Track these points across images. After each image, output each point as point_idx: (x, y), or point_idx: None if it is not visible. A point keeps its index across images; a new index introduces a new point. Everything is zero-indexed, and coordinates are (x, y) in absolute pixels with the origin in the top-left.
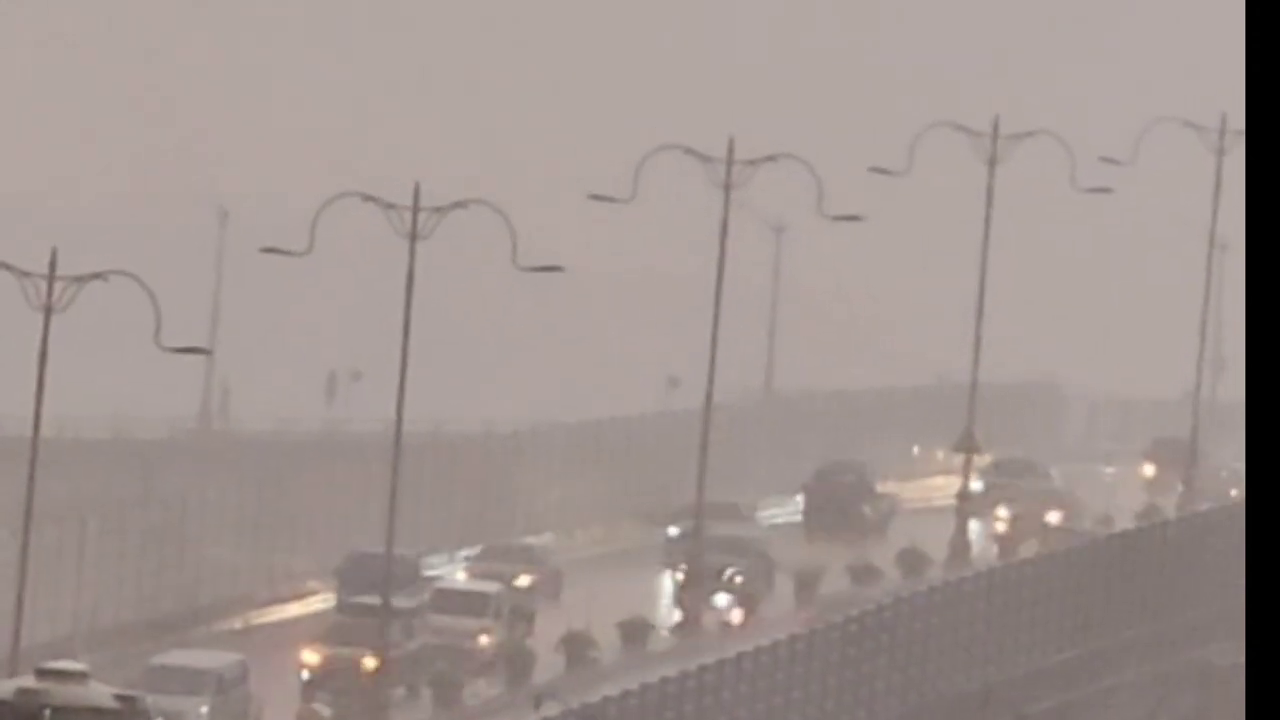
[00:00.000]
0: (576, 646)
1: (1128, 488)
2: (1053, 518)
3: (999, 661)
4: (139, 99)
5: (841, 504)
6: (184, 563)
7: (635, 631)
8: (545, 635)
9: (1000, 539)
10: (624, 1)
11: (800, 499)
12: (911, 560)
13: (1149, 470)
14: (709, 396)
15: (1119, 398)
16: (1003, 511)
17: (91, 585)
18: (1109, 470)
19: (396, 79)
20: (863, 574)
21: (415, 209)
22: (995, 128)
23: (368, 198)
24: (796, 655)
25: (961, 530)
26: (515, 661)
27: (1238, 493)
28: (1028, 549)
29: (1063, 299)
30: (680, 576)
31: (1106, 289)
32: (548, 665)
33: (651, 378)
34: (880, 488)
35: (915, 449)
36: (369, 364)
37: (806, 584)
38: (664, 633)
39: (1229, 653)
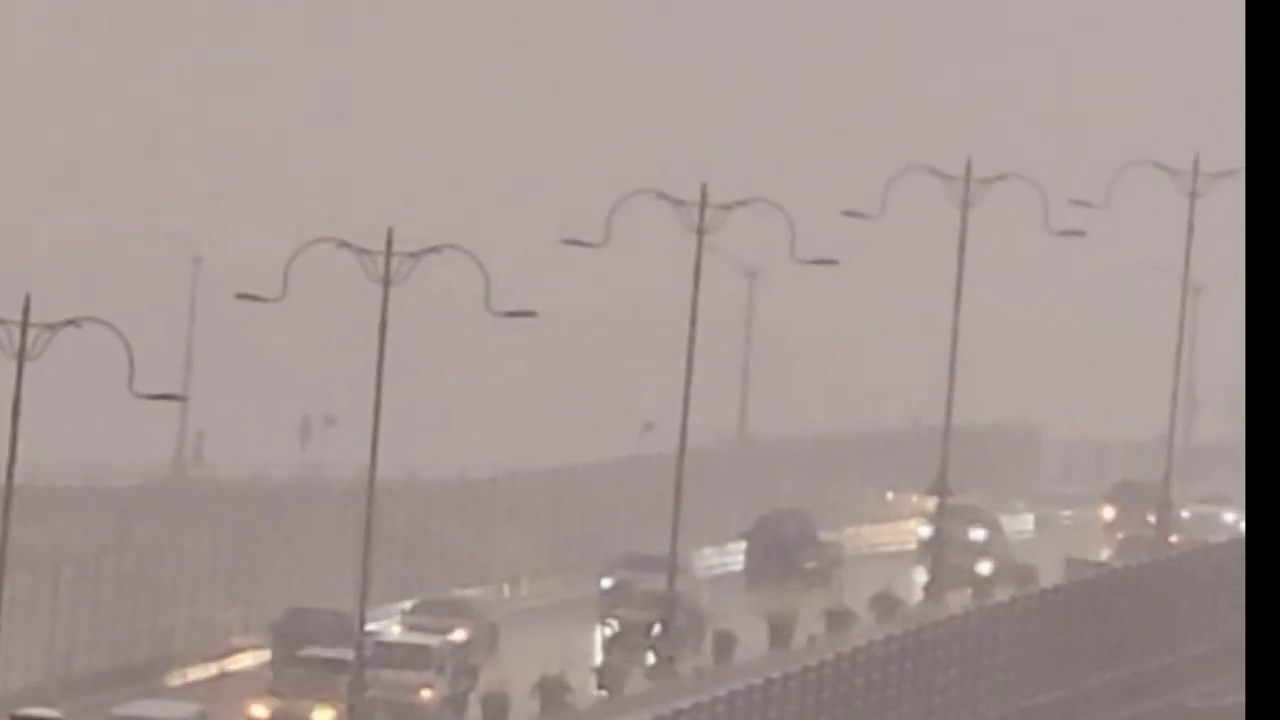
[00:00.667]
0: (492, 708)
1: (1082, 533)
2: (983, 569)
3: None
4: (111, 143)
5: (784, 552)
6: (158, 610)
7: (552, 692)
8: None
9: (926, 590)
10: (596, 46)
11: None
12: (840, 616)
13: (1109, 513)
14: (682, 441)
15: (1094, 440)
16: (932, 563)
17: (65, 632)
18: (1067, 514)
19: (369, 123)
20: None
21: (388, 254)
22: (968, 171)
23: (341, 243)
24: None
25: (935, 576)
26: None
27: (1179, 539)
28: (956, 600)
29: (1037, 341)
30: (609, 632)
31: (1080, 331)
32: None
33: (626, 422)
34: (825, 535)
35: (890, 494)
36: (343, 409)
37: (725, 646)
38: (592, 691)
39: (1205, 695)
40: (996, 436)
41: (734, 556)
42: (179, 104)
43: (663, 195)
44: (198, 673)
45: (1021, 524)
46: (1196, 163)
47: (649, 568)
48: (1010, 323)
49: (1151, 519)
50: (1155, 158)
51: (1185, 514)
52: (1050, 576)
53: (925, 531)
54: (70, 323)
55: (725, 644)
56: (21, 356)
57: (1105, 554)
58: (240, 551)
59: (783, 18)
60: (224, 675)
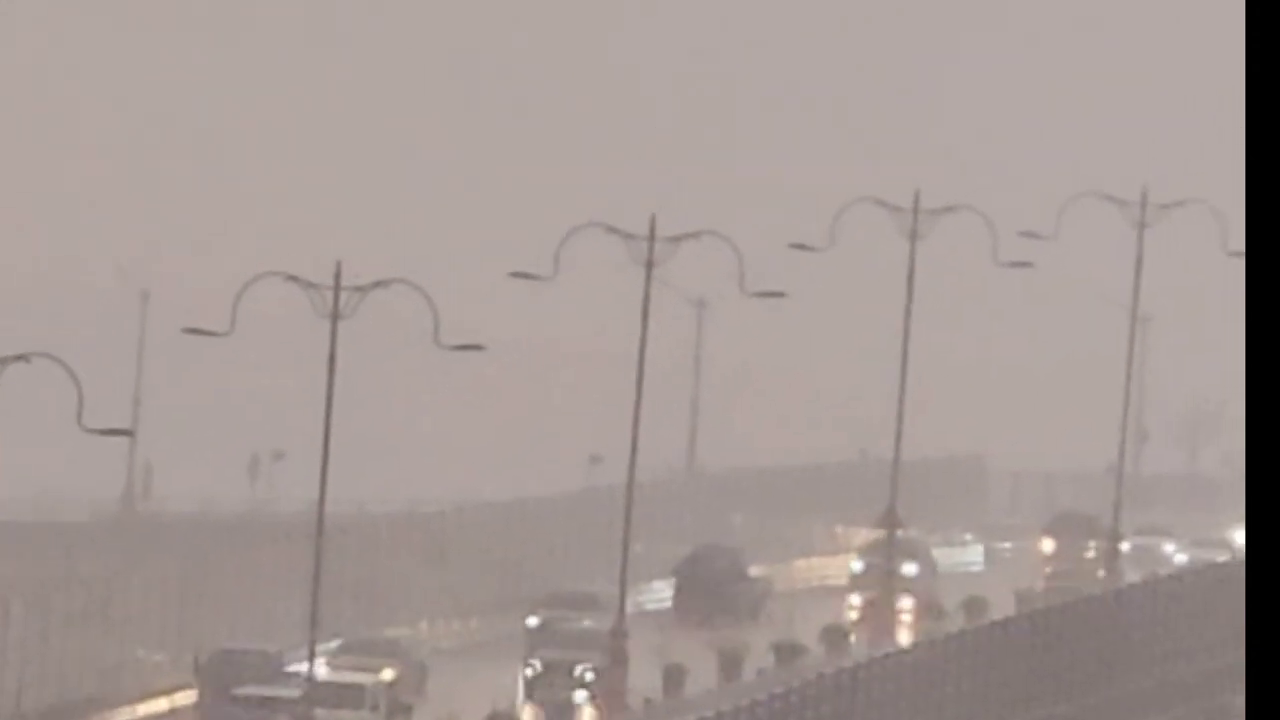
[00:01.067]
0: None
1: (1017, 566)
2: (905, 605)
3: None
4: (60, 178)
5: (713, 588)
6: (107, 646)
7: None
8: None
9: (851, 626)
10: (543, 81)
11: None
12: (789, 649)
13: (1048, 546)
14: (631, 474)
15: (1041, 471)
16: (854, 599)
17: (14, 667)
18: (1007, 545)
19: (317, 158)
20: (730, 664)
21: (337, 288)
22: (916, 202)
23: (289, 278)
24: None
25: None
26: None
27: (1105, 574)
28: (876, 638)
29: (985, 373)
30: (529, 672)
31: (1029, 362)
32: None
33: (575, 455)
34: (754, 570)
35: (839, 528)
36: (292, 444)
37: (675, 678)
38: None
39: None
40: (945, 468)
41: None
42: (126, 140)
43: (611, 228)
44: (125, 715)
45: (970, 555)
46: (1144, 194)
47: (576, 605)
48: (959, 354)
49: (1090, 551)
50: (1103, 189)
51: (1125, 546)
52: (1002, 608)
53: (857, 566)
54: (19, 358)
55: (676, 677)
56: None
57: (1040, 586)
58: (188, 587)
59: (730, 52)
60: (150, 717)
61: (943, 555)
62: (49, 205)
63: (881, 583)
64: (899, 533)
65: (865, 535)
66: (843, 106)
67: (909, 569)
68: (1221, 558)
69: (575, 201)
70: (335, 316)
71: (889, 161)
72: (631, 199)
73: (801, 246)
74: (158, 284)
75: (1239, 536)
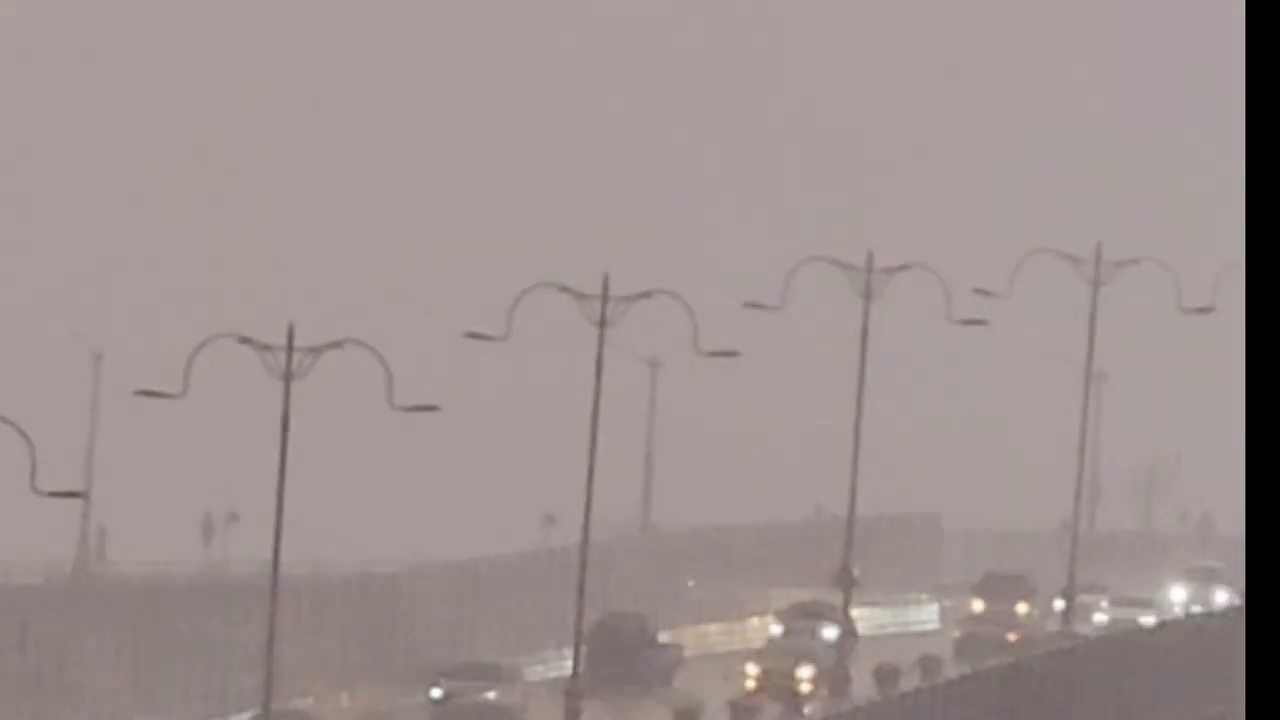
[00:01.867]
0: None
1: (939, 629)
2: (804, 673)
3: None
4: (10, 242)
5: (622, 656)
6: (61, 709)
7: None
8: None
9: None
10: (495, 137)
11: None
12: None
13: (977, 605)
14: (585, 534)
15: (995, 529)
16: (751, 668)
17: None
18: (944, 605)
19: (268, 218)
20: None
21: (290, 349)
22: (869, 261)
23: (242, 339)
24: None
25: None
26: None
27: (1016, 636)
28: (771, 712)
29: (940, 430)
30: None
31: (983, 420)
32: None
33: (529, 514)
34: (664, 637)
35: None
36: (246, 505)
37: None
38: None
39: None
40: (900, 526)
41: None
42: (78, 199)
43: (564, 288)
44: None
45: (926, 614)
46: (1098, 251)
47: (480, 676)
48: (913, 412)
49: (1021, 609)
50: (1057, 246)
51: (1058, 604)
52: (957, 667)
53: (775, 630)
54: None
55: None
56: None
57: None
58: (141, 651)
59: (683, 112)
60: None
61: (896, 614)
62: None
63: (784, 651)
64: (823, 597)
65: (792, 596)
66: (795, 165)
67: (828, 633)
68: (1146, 619)
69: (528, 261)
70: (289, 378)
71: (842, 220)
72: (584, 259)
73: (755, 305)
74: (110, 345)
75: (1176, 594)
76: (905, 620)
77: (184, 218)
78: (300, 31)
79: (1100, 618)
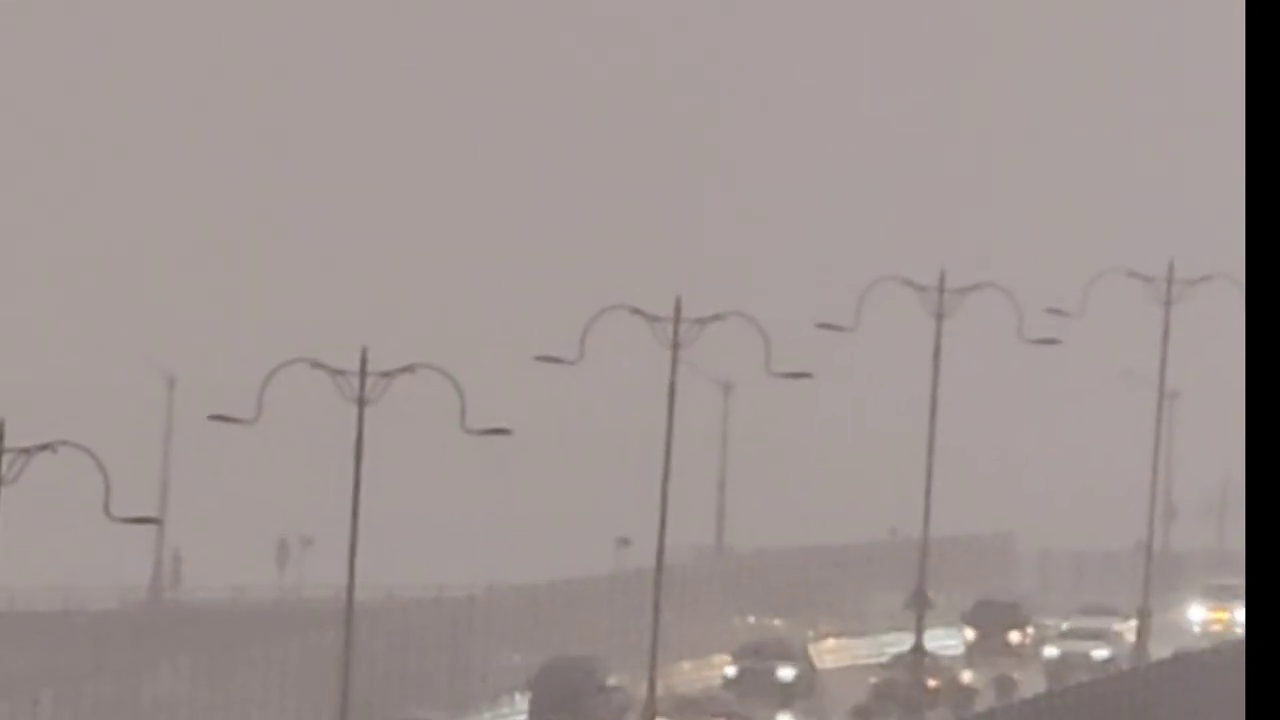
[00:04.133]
0: None
1: (961, 654)
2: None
3: None
4: (84, 267)
5: (569, 702)
6: None
7: None
8: None
9: None
10: (570, 161)
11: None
12: None
13: (969, 634)
14: (660, 557)
15: (1071, 549)
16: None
17: None
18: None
19: (341, 243)
20: None
21: (363, 374)
22: (941, 281)
23: (315, 364)
24: None
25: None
26: None
27: (971, 676)
28: None
29: (1013, 450)
30: None
31: (1056, 439)
32: None
33: (603, 538)
34: (612, 681)
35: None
36: (320, 530)
37: None
38: None
39: None
40: (973, 547)
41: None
42: (151, 227)
43: (636, 310)
44: None
45: (952, 639)
46: (1170, 270)
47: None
48: (986, 432)
49: (1013, 639)
50: (1129, 265)
51: (1053, 647)
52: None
53: (730, 671)
54: (45, 447)
55: None
56: None
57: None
58: (217, 676)
59: (754, 135)
60: None
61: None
62: (73, 292)
63: (763, 689)
64: (780, 631)
65: (737, 637)
66: (868, 184)
67: (785, 673)
68: (1099, 653)
69: (600, 284)
70: (362, 402)
71: (914, 239)
72: (657, 281)
73: (828, 326)
74: (184, 371)
75: (1195, 613)
76: (928, 645)
77: (257, 243)
78: (376, 62)
79: (1051, 651)
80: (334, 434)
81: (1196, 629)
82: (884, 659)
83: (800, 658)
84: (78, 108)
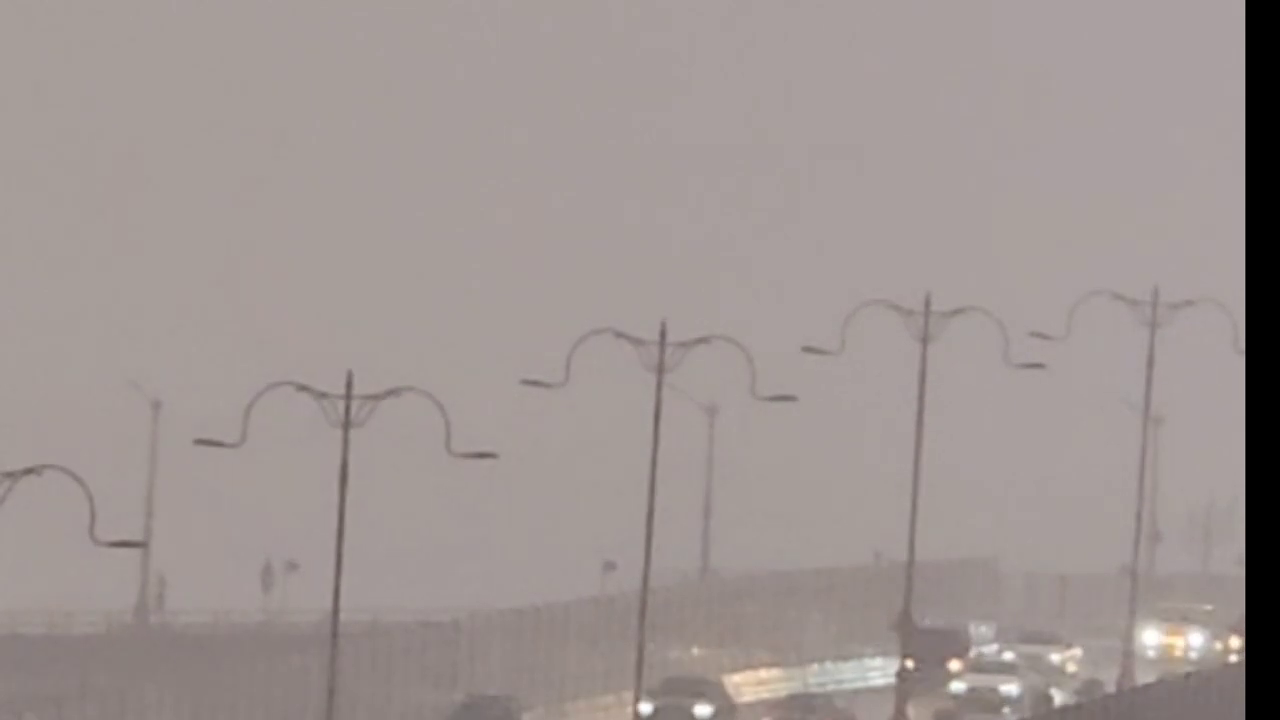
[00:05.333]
0: None
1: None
2: None
3: None
4: (68, 290)
5: None
6: None
7: None
8: None
9: None
10: (553, 186)
11: None
12: None
13: (907, 664)
14: (645, 580)
15: (1056, 572)
16: None
17: None
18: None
19: (325, 266)
20: None
21: (348, 397)
22: (927, 305)
23: (301, 387)
24: None
25: (901, 711)
26: None
27: (1012, 689)
28: None
29: (999, 474)
30: None
31: (1042, 463)
32: None
33: (589, 561)
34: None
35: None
36: (305, 553)
37: None
38: None
39: None
40: (959, 570)
41: None
42: (136, 249)
43: (621, 334)
44: None
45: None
46: (1155, 294)
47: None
48: (971, 456)
49: (954, 666)
50: (1114, 289)
51: (1010, 655)
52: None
53: (645, 709)
54: (30, 471)
55: None
56: None
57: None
58: (202, 700)
59: (739, 156)
60: None
61: (861, 668)
62: (57, 315)
63: None
64: (696, 669)
65: (678, 667)
66: (851, 208)
67: (701, 711)
68: (1007, 688)
69: (585, 308)
70: (347, 426)
71: (899, 263)
72: (641, 305)
73: (813, 350)
74: (169, 394)
75: (1150, 638)
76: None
77: (240, 266)
78: (357, 78)
79: (958, 686)
80: (319, 457)
81: (1151, 653)
82: (808, 689)
83: (717, 695)
84: (66, 129)
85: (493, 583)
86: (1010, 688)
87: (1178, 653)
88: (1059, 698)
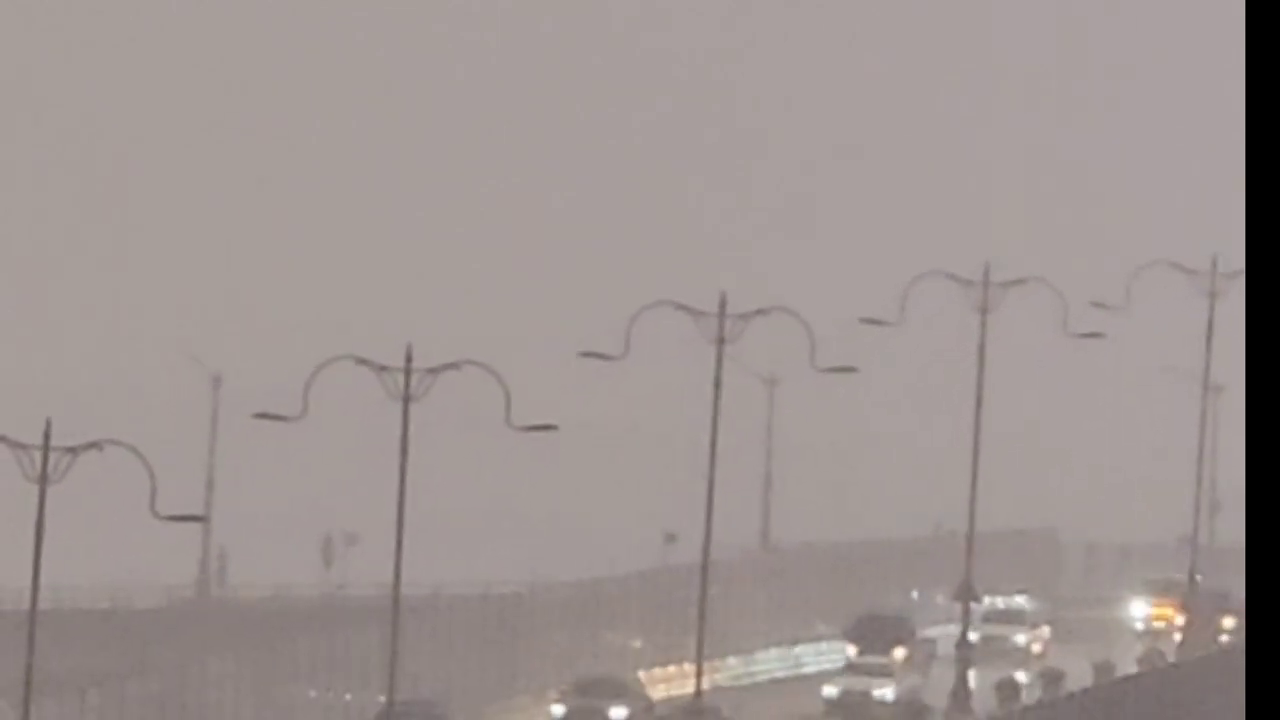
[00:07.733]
0: None
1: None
2: None
3: None
4: (128, 266)
5: None
6: None
7: None
8: None
9: None
10: (613, 159)
11: None
12: None
13: (851, 651)
14: (706, 552)
15: (1116, 542)
16: None
17: None
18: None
19: (385, 239)
20: None
21: (408, 370)
22: (986, 275)
23: (360, 361)
24: None
25: (962, 680)
26: None
27: (886, 692)
28: None
29: (1058, 444)
30: None
31: (1101, 433)
32: None
33: (649, 533)
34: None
35: (914, 593)
36: (365, 527)
37: None
38: None
39: None
40: (1019, 541)
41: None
42: (196, 226)
43: (681, 306)
44: None
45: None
46: (1214, 263)
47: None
48: (1030, 426)
49: (898, 655)
50: (1173, 259)
51: (973, 636)
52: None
53: (558, 711)
54: (92, 445)
55: None
56: (43, 480)
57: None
58: (262, 673)
59: (797, 131)
60: None
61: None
62: (118, 291)
63: None
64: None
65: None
66: (910, 179)
67: (617, 713)
68: (880, 693)
69: (645, 280)
70: (407, 399)
71: (958, 234)
72: (701, 276)
73: (872, 321)
74: (229, 369)
75: (1137, 609)
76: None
77: (301, 240)
78: (420, 60)
79: (830, 691)
80: (379, 431)
81: (1139, 625)
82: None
83: (634, 695)
84: (118, 105)
85: (553, 555)
86: (884, 692)
87: (1162, 625)
88: (1024, 681)
